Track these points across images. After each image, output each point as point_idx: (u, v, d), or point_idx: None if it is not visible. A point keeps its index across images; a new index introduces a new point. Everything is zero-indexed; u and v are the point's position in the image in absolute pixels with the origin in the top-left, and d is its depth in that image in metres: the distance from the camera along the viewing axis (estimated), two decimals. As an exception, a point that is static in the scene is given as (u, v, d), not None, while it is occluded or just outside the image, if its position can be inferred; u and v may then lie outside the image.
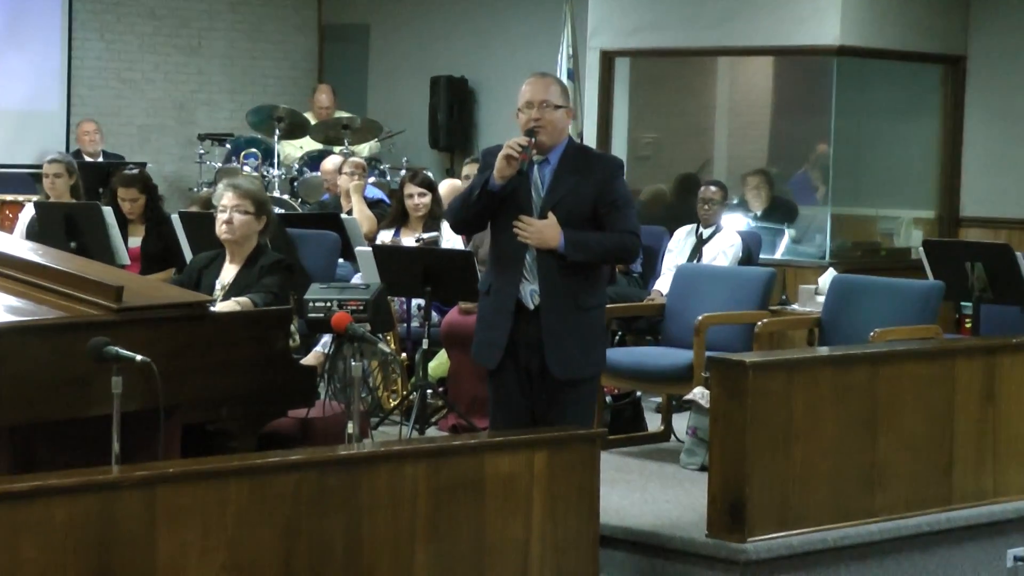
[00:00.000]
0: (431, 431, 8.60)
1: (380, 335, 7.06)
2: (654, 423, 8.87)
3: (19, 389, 5.70)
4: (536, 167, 6.23)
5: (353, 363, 6.21)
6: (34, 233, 10.02)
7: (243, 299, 6.84)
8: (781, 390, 6.57)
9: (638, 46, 12.59)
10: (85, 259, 7.31)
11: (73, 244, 9.48)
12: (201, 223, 8.87)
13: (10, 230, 11.21)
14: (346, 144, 13.80)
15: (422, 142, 15.05)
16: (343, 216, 10.54)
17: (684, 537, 6.57)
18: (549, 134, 6.21)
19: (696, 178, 12.07)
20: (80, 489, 4.86)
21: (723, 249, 10.17)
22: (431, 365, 8.89)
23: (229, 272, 7.14)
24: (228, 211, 7.12)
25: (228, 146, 14.44)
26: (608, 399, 8.66)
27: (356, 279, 9.20)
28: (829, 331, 8.50)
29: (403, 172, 11.56)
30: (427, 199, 9.78)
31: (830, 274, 9.43)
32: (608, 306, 6.84)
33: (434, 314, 8.95)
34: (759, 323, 8.34)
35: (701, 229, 10.35)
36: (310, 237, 9.59)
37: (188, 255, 9.09)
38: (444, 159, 15.11)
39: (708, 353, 7.71)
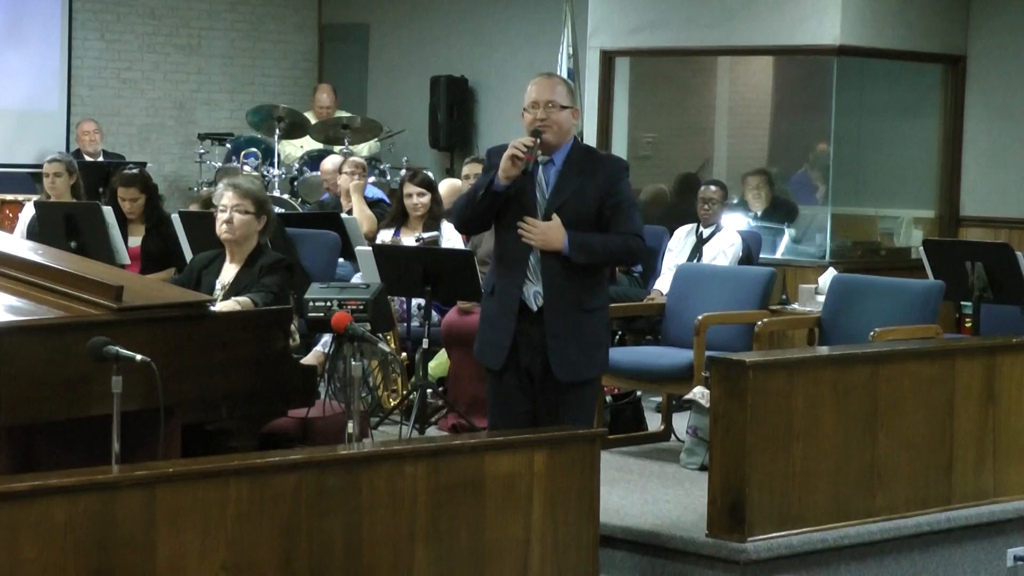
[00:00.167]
0: (431, 431, 8.60)
1: (380, 335, 7.06)
2: (654, 423, 8.86)
3: (19, 389, 5.69)
4: (541, 168, 6.21)
5: (353, 363, 6.20)
6: (34, 233, 10.02)
7: (243, 299, 6.84)
8: (781, 390, 6.57)
9: (638, 46, 12.58)
10: (85, 259, 7.30)
11: (73, 244, 9.48)
12: (201, 223, 8.87)
13: (10, 230, 11.21)
14: (346, 144, 13.80)
15: (422, 142, 15.05)
16: (343, 216, 10.54)
17: (684, 537, 6.57)
18: (555, 134, 6.20)
19: (696, 178, 12.07)
20: (80, 489, 4.86)
21: (723, 249, 10.17)
22: (431, 365, 8.89)
23: (229, 272, 7.13)
24: (228, 211, 7.12)
25: (228, 146, 14.44)
26: (608, 399, 8.66)
27: (356, 279, 9.19)
28: (829, 331, 8.50)
29: (403, 172, 11.56)
30: (427, 199, 9.77)
31: (830, 274, 9.43)
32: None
33: (434, 314, 8.94)
34: (759, 323, 8.34)
35: (701, 229, 10.35)
36: (310, 237, 9.60)
37: (188, 255, 9.09)
38: (444, 159, 15.11)
39: (708, 353, 7.72)
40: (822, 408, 6.70)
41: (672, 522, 6.78)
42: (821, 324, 8.57)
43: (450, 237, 9.54)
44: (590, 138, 12.45)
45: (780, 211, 11.98)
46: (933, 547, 7.00)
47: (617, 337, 9.90)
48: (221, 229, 7.13)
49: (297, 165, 13.99)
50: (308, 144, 14.43)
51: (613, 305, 8.19)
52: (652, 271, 10.46)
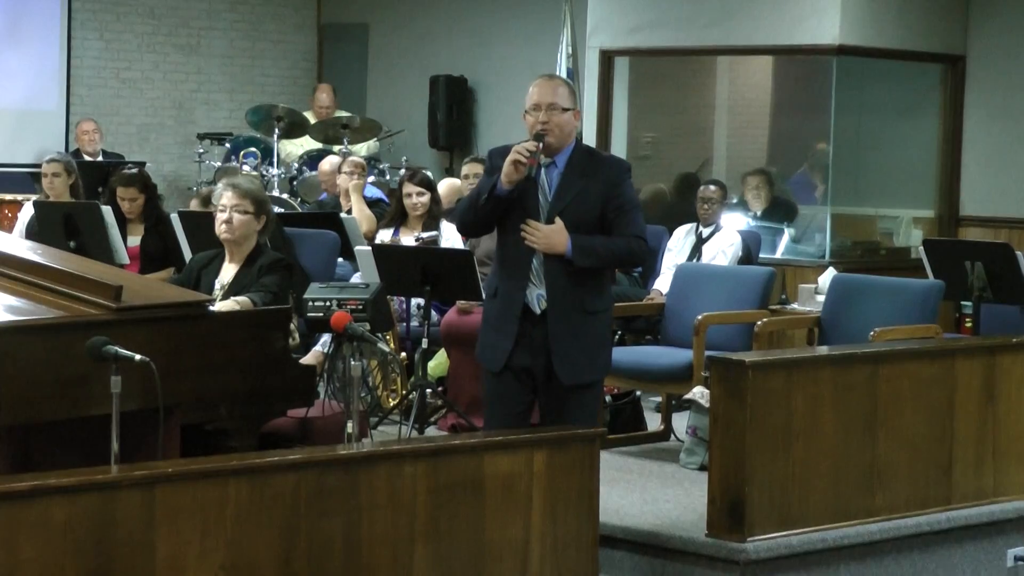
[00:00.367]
0: (430, 431, 8.59)
1: (379, 334, 7.07)
2: (654, 423, 8.86)
3: (18, 389, 5.69)
4: (543, 170, 6.19)
5: (352, 362, 6.19)
6: (33, 232, 10.01)
7: (242, 298, 6.84)
8: (781, 389, 6.57)
9: (638, 45, 12.58)
10: (84, 258, 7.30)
11: (72, 244, 9.47)
12: (200, 222, 8.86)
13: (9, 229, 11.20)
14: (345, 143, 13.80)
15: (421, 141, 15.05)
16: (342, 215, 10.54)
17: (684, 537, 6.57)
18: (557, 137, 6.17)
19: (696, 177, 12.07)
20: (79, 489, 4.85)
21: (723, 248, 10.16)
22: (430, 364, 8.88)
23: (228, 271, 7.13)
24: (228, 211, 7.11)
25: (227, 145, 14.44)
26: (608, 398, 8.65)
27: (355, 278, 9.19)
28: (829, 330, 8.50)
29: (402, 171, 11.56)
30: (426, 198, 9.77)
31: (830, 273, 9.43)
32: (608, 306, 6.83)
33: (433, 313, 8.94)
34: (759, 322, 8.33)
35: (701, 228, 10.34)
36: (309, 236, 9.59)
37: (187, 254, 9.09)
38: (443, 158, 15.10)
39: (708, 352, 7.72)
40: (822, 408, 6.70)
41: (672, 522, 6.78)
42: (821, 324, 8.57)
43: (449, 237, 9.54)
44: (589, 138, 12.44)
45: (780, 211, 11.97)
46: (933, 547, 7.00)
47: (617, 337, 9.89)
48: (220, 229, 7.13)
49: (297, 165, 13.98)
50: (308, 144, 14.42)
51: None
52: (652, 271, 10.46)
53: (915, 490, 7.00)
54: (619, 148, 12.66)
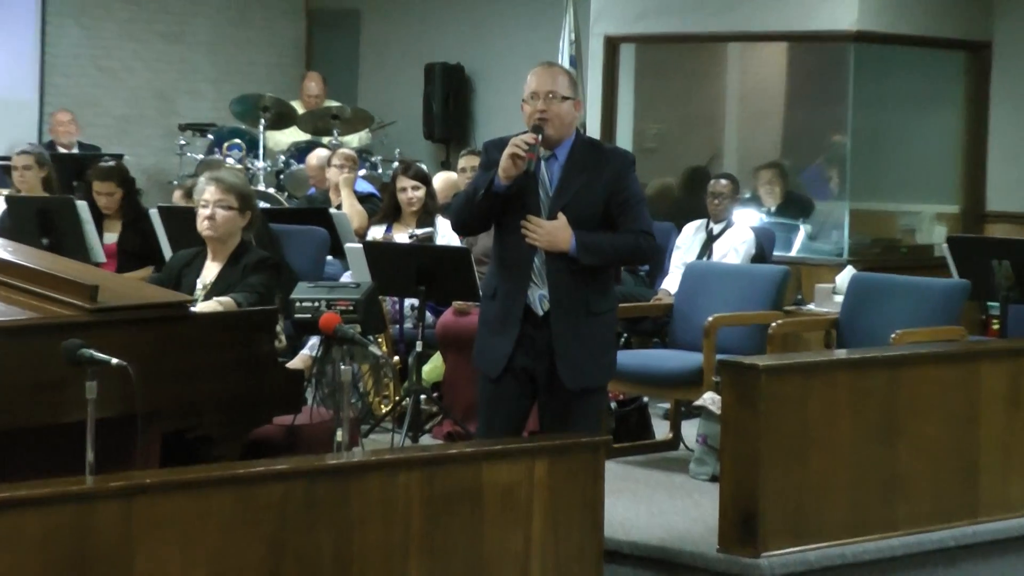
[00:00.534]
0: (425, 439, 8.60)
1: (371, 337, 7.06)
2: (662, 430, 8.86)
3: (-12, 394, 5.69)
4: (543, 164, 6.17)
5: (342, 367, 6.20)
6: (4, 229, 10.00)
7: (226, 299, 6.83)
8: (796, 395, 6.57)
9: (644, 31, 12.59)
10: (58, 256, 7.30)
11: (45, 241, 9.47)
12: (182, 218, 8.86)
13: (-21, 226, 11.19)
14: (335, 135, 13.81)
15: (416, 133, 15.06)
16: (332, 211, 10.54)
17: (694, 552, 6.57)
18: (556, 127, 6.15)
19: (705, 171, 12.08)
20: (53, 500, 4.85)
21: (734, 246, 10.18)
22: (425, 369, 8.89)
23: (211, 270, 7.13)
24: (210, 206, 7.11)
25: (210, 137, 14.44)
26: (613, 405, 8.66)
27: (346, 278, 9.19)
28: (847, 333, 8.50)
29: (395, 164, 11.56)
30: (421, 193, 9.76)
31: (848, 272, 9.44)
32: (613, 307, 6.83)
33: (428, 315, 8.94)
34: (773, 324, 8.34)
35: (711, 225, 10.36)
36: (297, 233, 9.60)
37: (167, 252, 9.09)
38: (439, 151, 15.12)
39: (719, 356, 7.71)
40: (839, 415, 6.70)
41: (681, 536, 6.78)
42: (838, 326, 8.57)
43: (445, 234, 9.53)
44: (593, 129, 12.45)
45: (795, 206, 11.99)
46: (958, 563, 7.00)
47: (622, 339, 9.90)
48: (203, 225, 7.12)
49: (284, 157, 13.98)
50: (296, 135, 14.43)
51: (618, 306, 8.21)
52: (659, 269, 10.46)
53: (939, 502, 7.00)
54: (624, 140, 12.67)
